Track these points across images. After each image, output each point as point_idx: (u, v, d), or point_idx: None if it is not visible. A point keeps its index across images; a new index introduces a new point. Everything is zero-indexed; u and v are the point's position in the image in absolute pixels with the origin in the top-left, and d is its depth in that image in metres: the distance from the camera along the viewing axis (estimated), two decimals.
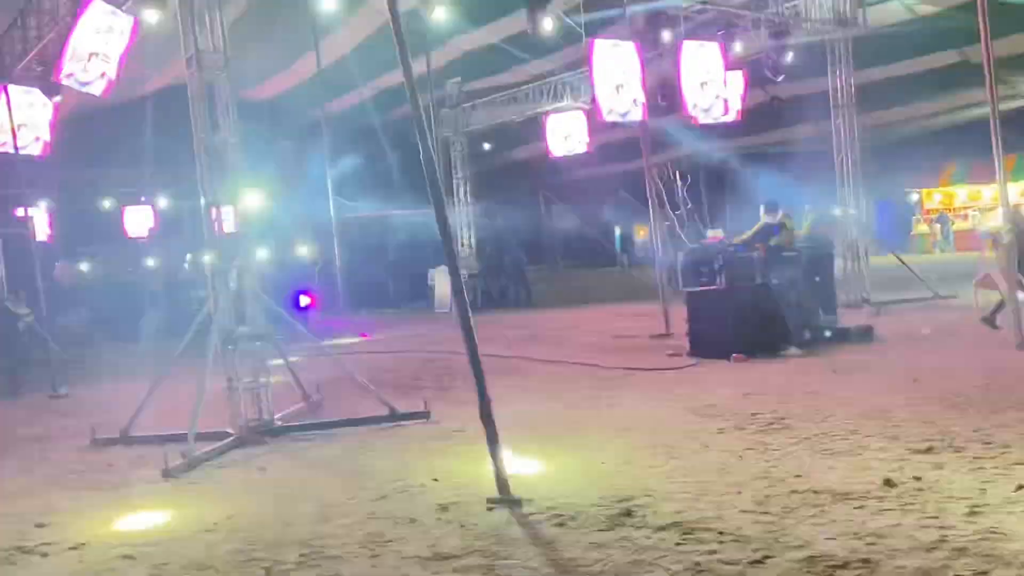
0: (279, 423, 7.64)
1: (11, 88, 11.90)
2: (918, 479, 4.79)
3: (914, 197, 28.81)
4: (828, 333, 10.31)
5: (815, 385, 7.71)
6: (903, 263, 14.70)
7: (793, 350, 9.44)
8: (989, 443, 5.39)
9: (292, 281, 20.41)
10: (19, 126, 11.87)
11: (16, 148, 11.90)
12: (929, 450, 5.34)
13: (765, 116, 20.74)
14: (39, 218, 19.86)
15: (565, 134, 19.54)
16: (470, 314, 5.32)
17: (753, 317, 9.67)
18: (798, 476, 5.05)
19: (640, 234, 35.52)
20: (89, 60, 9.76)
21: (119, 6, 9.42)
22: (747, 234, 10.13)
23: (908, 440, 5.61)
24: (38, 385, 11.42)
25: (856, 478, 4.92)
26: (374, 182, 27.24)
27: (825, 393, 7.33)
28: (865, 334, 10.23)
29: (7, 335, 12.33)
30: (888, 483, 4.74)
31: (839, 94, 14.28)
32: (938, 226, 27.37)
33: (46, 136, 12.85)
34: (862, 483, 4.81)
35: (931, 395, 6.88)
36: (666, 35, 12.70)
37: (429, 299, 20.98)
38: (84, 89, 10.02)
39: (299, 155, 26.29)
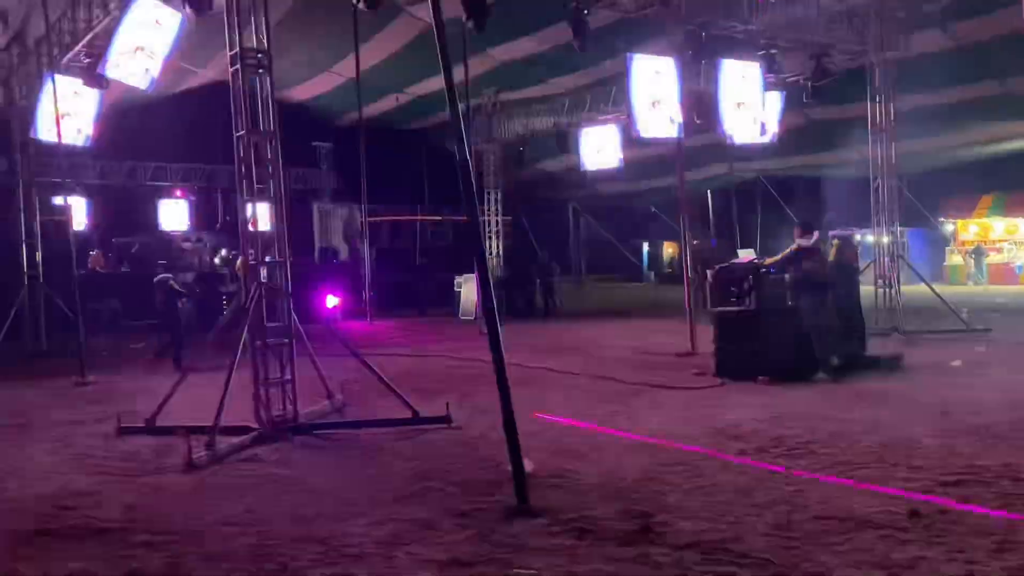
0: (303, 420, 7.69)
1: (58, 78, 12.15)
2: (944, 512, 4.72)
3: (949, 227, 28.41)
4: (857, 360, 10.19)
5: (841, 411, 7.62)
6: (936, 293, 14.49)
7: (820, 375, 9.34)
8: (1019, 479, 5.29)
9: (322, 280, 20.60)
10: (63, 116, 12.09)
11: (59, 138, 12.12)
12: (957, 483, 5.26)
13: (802, 139, 20.66)
14: (77, 207, 20.20)
15: (598, 147, 19.54)
16: (498, 324, 5.34)
17: (781, 340, 9.57)
18: (821, 502, 4.99)
19: (668, 251, 35.46)
20: (135, 54, 9.93)
21: (167, 2, 9.57)
22: (779, 256, 10.04)
23: (935, 471, 5.53)
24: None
25: (881, 507, 4.85)
26: (405, 186, 27.44)
27: (851, 420, 7.24)
28: (894, 363, 10.10)
29: (170, 311, 13.15)
30: (914, 514, 4.68)
31: (878, 120, 14.14)
32: (972, 259, 26.96)
33: (89, 127, 13.10)
34: (887, 512, 4.75)
35: (960, 428, 6.77)
36: (706, 54, 12.65)
37: (455, 305, 21.03)
38: (129, 82, 10.20)
39: (334, 157, 26.59)
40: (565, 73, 19.50)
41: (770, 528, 4.57)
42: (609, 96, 18.71)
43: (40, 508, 5.43)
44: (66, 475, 6.29)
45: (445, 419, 7.57)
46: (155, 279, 13.50)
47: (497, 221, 22.22)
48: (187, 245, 23.25)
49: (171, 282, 13.38)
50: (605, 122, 19.10)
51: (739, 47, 14.15)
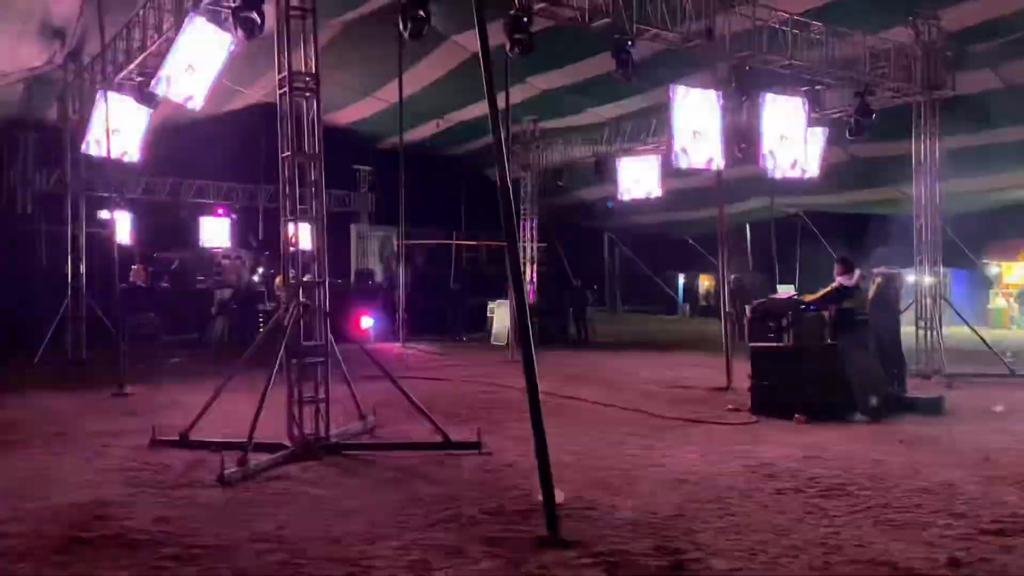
0: (335, 440, 7.71)
1: (110, 95, 12.47)
2: (986, 560, 4.59)
3: (993, 270, 27.89)
4: (896, 402, 10.00)
5: (880, 453, 7.46)
6: (979, 336, 14.19)
7: (859, 416, 9.17)
8: None
9: (358, 301, 20.75)
10: (113, 132, 12.39)
11: (108, 153, 12.41)
12: (999, 532, 5.11)
13: (844, 175, 20.46)
14: (121, 221, 20.61)
15: (636, 178, 19.50)
16: (533, 351, 5.32)
17: (819, 379, 9.43)
18: (858, 545, 4.88)
19: (704, 283, 35.18)
20: (186, 74, 10.14)
21: (219, 24, 9.78)
22: (819, 293, 9.91)
23: (976, 519, 5.38)
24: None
25: (919, 553, 4.73)
26: (442, 211, 27.63)
27: (890, 462, 7.08)
28: (935, 406, 9.88)
29: None
30: (954, 562, 4.55)
31: (923, 158, 13.97)
32: (1016, 302, 26.41)
33: (137, 143, 13.39)
34: (926, 559, 4.63)
35: (1003, 475, 6.59)
36: (749, 87, 12.62)
37: (488, 330, 21.05)
38: (178, 100, 10.40)
39: (374, 180, 26.90)
40: (605, 103, 19.56)
41: (806, 570, 4.48)
42: (649, 127, 18.72)
43: (75, 517, 5.49)
44: (101, 485, 6.36)
45: (476, 445, 7.54)
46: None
47: (533, 248, 22.24)
48: (226, 262, 23.57)
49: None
50: (644, 152, 19.09)
51: (783, 81, 14.10)
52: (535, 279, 22.15)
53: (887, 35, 13.72)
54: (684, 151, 12.36)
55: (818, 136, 14.45)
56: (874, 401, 9.57)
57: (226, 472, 6.43)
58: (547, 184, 22.66)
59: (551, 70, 17.72)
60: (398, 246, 21.53)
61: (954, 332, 15.00)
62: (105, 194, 14.70)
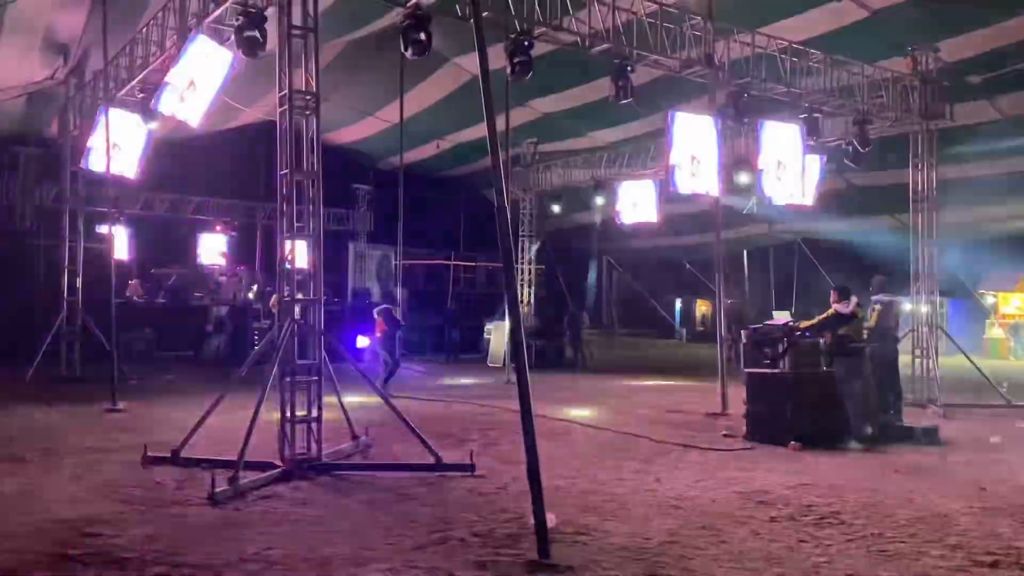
0: (326, 460, 7.66)
1: (111, 111, 12.51)
2: None
3: (990, 300, 27.94)
4: (891, 430, 9.97)
5: (874, 482, 7.42)
6: (975, 366, 14.17)
7: (854, 444, 9.14)
8: None
9: (354, 320, 20.71)
10: (114, 147, 12.42)
11: (108, 168, 12.43)
12: (993, 564, 5.07)
13: (842, 203, 20.53)
14: (119, 236, 20.61)
15: (634, 202, 19.56)
16: (527, 373, 5.31)
17: (815, 406, 9.40)
18: (851, 575, 4.84)
19: (701, 308, 35.20)
20: (187, 91, 10.18)
21: (221, 43, 9.84)
22: (815, 320, 9.91)
23: (971, 551, 5.34)
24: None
25: None
26: (440, 232, 27.67)
27: (884, 492, 7.04)
28: (930, 435, 9.84)
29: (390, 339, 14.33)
30: None
31: (920, 188, 14.03)
32: (1010, 335, 26.46)
33: (136, 159, 13.42)
34: None
35: (998, 506, 6.55)
36: (747, 114, 12.70)
37: (484, 351, 21.01)
38: (179, 117, 10.44)
39: (372, 200, 26.95)
40: (605, 127, 19.66)
41: None
42: (648, 151, 18.80)
43: (62, 533, 5.44)
44: (90, 502, 6.31)
45: (469, 467, 7.50)
46: (376, 309, 14.92)
47: (530, 270, 22.25)
48: (223, 279, 23.55)
49: (393, 311, 14.93)
50: (643, 177, 19.16)
51: (781, 109, 14.20)
52: (532, 302, 22.14)
53: (886, 64, 13.82)
54: (681, 176, 12.39)
55: (816, 164, 14.50)
56: (869, 429, 9.55)
57: (216, 491, 6.38)
58: (546, 207, 22.73)
59: (551, 93, 17.82)
60: (395, 266, 21.53)
61: (950, 362, 14.99)
62: (103, 209, 14.71)
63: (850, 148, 14.33)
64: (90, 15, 12.65)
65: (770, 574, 4.84)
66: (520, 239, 21.93)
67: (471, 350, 22.09)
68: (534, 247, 22.23)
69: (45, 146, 18.43)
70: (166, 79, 10.21)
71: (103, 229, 16.73)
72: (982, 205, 20.29)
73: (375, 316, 14.68)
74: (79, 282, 14.97)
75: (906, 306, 14.42)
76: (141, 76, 11.91)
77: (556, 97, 18.03)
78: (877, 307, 10.97)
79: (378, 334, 14.56)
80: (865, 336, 9.72)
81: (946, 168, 15.10)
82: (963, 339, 17.12)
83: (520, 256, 21.83)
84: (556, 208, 22.46)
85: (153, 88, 10.99)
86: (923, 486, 7.31)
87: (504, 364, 16.87)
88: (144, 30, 11.95)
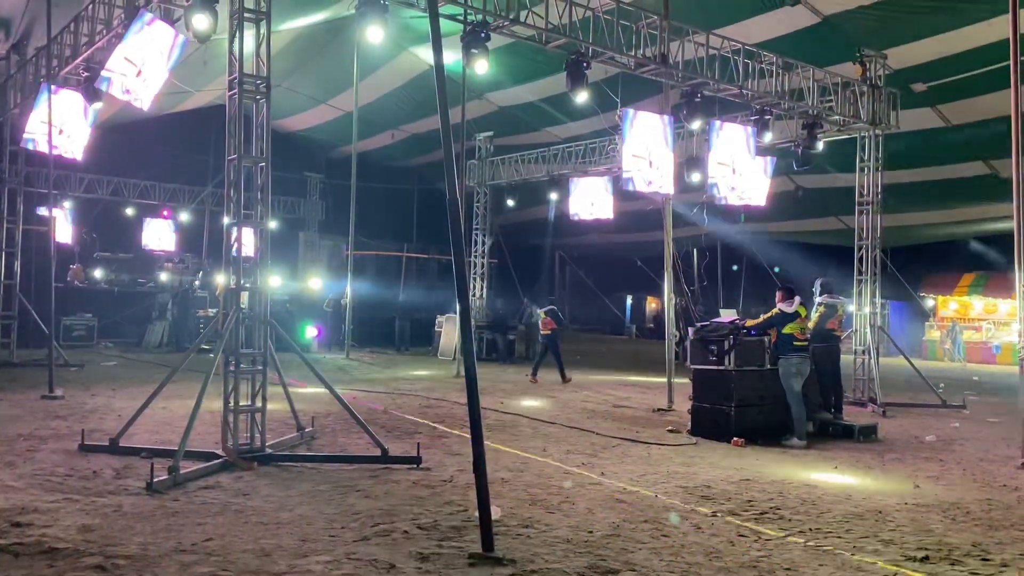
0: (270, 451, 7.56)
1: (55, 90, 12.14)
2: None
3: (929, 303, 28.72)
4: (831, 428, 10.21)
5: (814, 478, 7.58)
6: (913, 367, 14.55)
7: (795, 441, 9.32)
8: (987, 559, 5.26)
9: (301, 310, 20.47)
10: (56, 127, 12.06)
11: (50, 148, 12.07)
12: (925, 559, 5.21)
13: (790, 204, 20.91)
14: (61, 220, 20.08)
15: (589, 198, 19.64)
16: (476, 367, 5.30)
17: (758, 402, 9.59)
18: (788, 570, 4.93)
19: (651, 305, 35.58)
20: (134, 72, 9.92)
21: (170, 23, 9.61)
22: (761, 319, 10.07)
23: (904, 546, 5.48)
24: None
25: None
26: (393, 222, 27.49)
27: (823, 487, 7.20)
28: (868, 433, 10.10)
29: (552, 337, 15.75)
30: None
31: (865, 191, 14.33)
32: (948, 337, 27.24)
33: (82, 141, 13.04)
34: None
35: (930, 503, 6.74)
36: (699, 114, 12.83)
37: (434, 344, 20.96)
38: (126, 99, 10.16)
39: (324, 189, 26.66)
40: (560, 123, 19.74)
41: None
42: (602, 148, 18.90)
43: None
44: (24, 491, 6.13)
45: (415, 459, 7.47)
46: (544, 309, 15.94)
47: (483, 264, 22.24)
48: (168, 266, 23.11)
49: (558, 311, 16.30)
50: (597, 173, 19.26)
51: (733, 110, 14.39)
52: (485, 294, 22.11)
53: (836, 70, 14.09)
54: (634, 173, 12.47)
55: (765, 165, 14.72)
56: (810, 427, 9.76)
57: (155, 480, 6.26)
58: (500, 201, 22.71)
59: (508, 87, 17.83)
60: (347, 256, 21.32)
61: (890, 362, 15.37)
62: (45, 191, 14.30)
63: (799, 151, 14.59)
64: None
65: (710, 568, 4.90)
66: (474, 232, 21.88)
67: (422, 343, 22.00)
68: (488, 241, 22.21)
69: None
70: (112, 58, 9.93)
71: (44, 211, 16.28)
72: (926, 209, 20.86)
73: (542, 315, 15.94)
74: (17, 265, 14.57)
75: (849, 307, 14.74)
76: (86, 54, 11.56)
77: (513, 91, 18.04)
78: (820, 308, 11.21)
79: (547, 331, 15.82)
80: (807, 335, 9.90)
81: (892, 172, 15.46)
82: (903, 340, 17.61)
83: (473, 249, 21.78)
84: (511, 202, 22.46)
85: (98, 67, 10.69)
86: (860, 482, 7.50)
87: (454, 357, 16.83)
88: (90, 7, 11.59)
